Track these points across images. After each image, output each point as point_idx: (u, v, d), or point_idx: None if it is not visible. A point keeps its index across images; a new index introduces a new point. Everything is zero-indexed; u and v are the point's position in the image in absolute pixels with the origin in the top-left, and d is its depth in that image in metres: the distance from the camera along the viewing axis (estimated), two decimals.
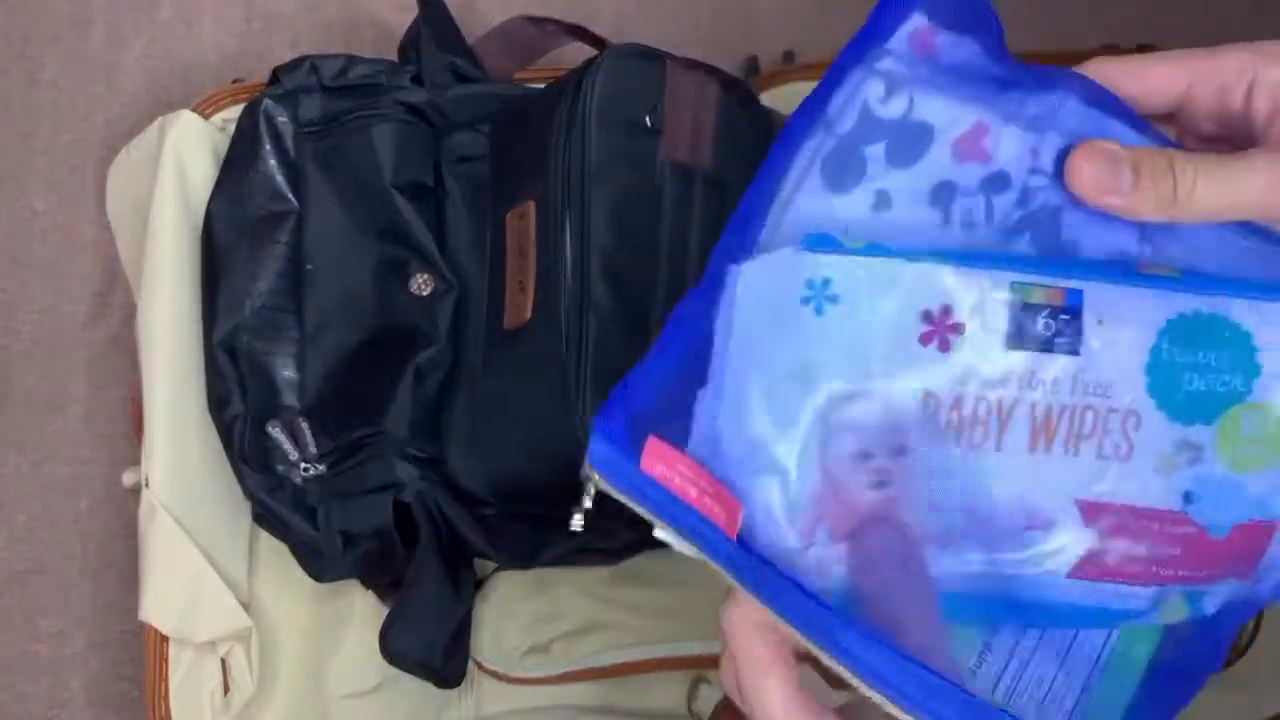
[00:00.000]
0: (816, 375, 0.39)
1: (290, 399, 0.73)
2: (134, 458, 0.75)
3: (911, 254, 0.40)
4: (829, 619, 0.38)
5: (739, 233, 0.42)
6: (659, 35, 0.90)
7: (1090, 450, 0.40)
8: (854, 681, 0.39)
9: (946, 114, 0.42)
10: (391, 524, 0.70)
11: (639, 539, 0.72)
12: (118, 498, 0.83)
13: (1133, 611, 0.42)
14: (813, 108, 0.42)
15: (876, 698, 0.38)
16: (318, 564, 0.72)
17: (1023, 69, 0.43)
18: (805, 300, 0.40)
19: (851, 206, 0.42)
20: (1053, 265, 0.41)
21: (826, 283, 0.40)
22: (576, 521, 0.40)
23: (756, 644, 0.42)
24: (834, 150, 0.42)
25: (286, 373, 0.73)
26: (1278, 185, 0.40)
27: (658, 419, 0.40)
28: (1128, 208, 0.40)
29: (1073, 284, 0.40)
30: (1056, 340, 0.40)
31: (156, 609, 0.72)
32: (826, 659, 0.39)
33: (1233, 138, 0.43)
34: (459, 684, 0.72)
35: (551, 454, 0.65)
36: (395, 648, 0.69)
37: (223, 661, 0.74)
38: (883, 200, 0.42)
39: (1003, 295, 0.40)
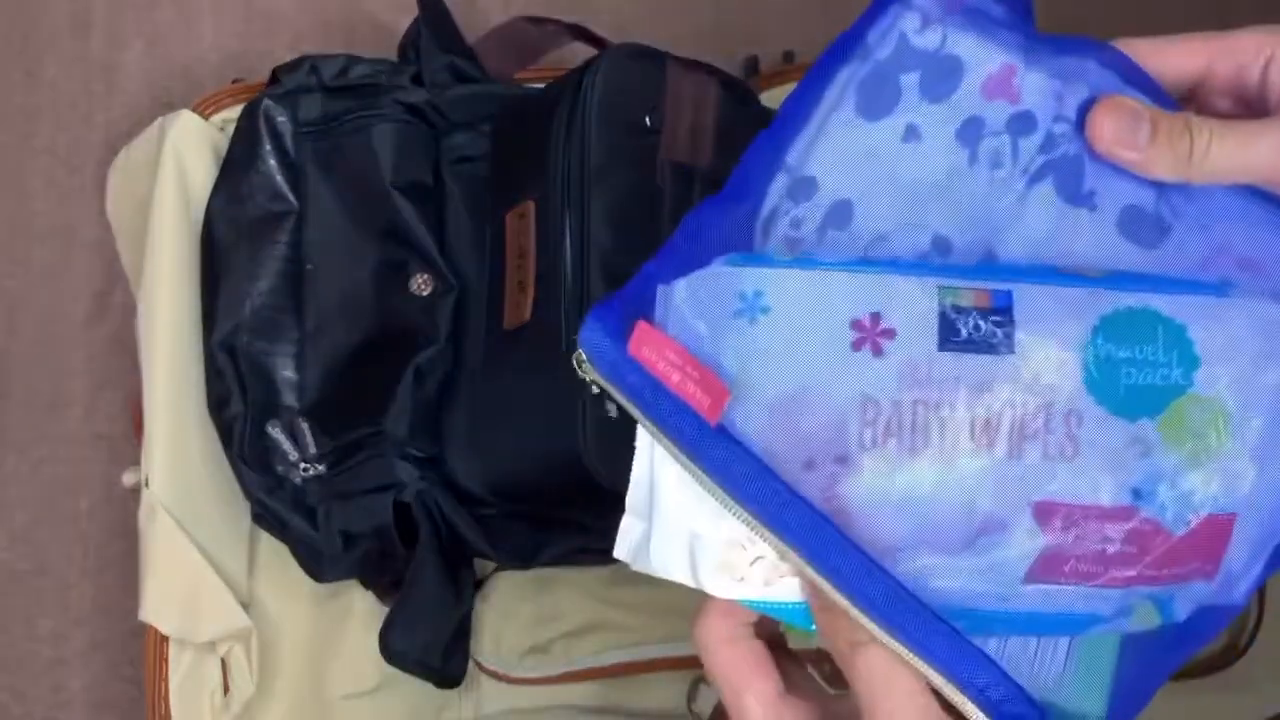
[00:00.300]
0: (751, 384, 0.39)
1: (290, 399, 0.73)
2: (134, 458, 0.75)
3: (840, 265, 0.41)
4: (798, 507, 0.39)
5: (765, 151, 0.43)
6: (659, 35, 0.90)
7: (1036, 451, 0.40)
8: (819, 583, 0.39)
9: (978, 51, 0.43)
10: (391, 524, 0.70)
11: None
12: (118, 498, 0.83)
13: (1099, 616, 0.42)
14: (849, 39, 0.43)
15: (843, 603, 0.38)
16: (317, 564, 0.72)
17: (1049, 35, 0.44)
18: (738, 313, 0.40)
19: (881, 135, 0.43)
20: (978, 271, 0.42)
21: (758, 295, 0.40)
22: (611, 409, 0.40)
23: (729, 658, 0.42)
24: (870, 75, 0.43)
25: (286, 373, 0.73)
26: None
27: (651, 305, 0.41)
28: (1142, 163, 0.41)
29: (1000, 286, 0.41)
30: (989, 341, 0.40)
31: (156, 609, 0.72)
32: (794, 559, 0.39)
33: (1250, 114, 0.44)
34: (459, 684, 0.72)
35: (551, 454, 0.65)
36: (395, 648, 0.69)
37: (222, 662, 0.74)
38: (912, 133, 0.43)
39: (930, 300, 0.40)
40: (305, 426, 0.72)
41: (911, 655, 0.38)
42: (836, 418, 0.39)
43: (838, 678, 0.41)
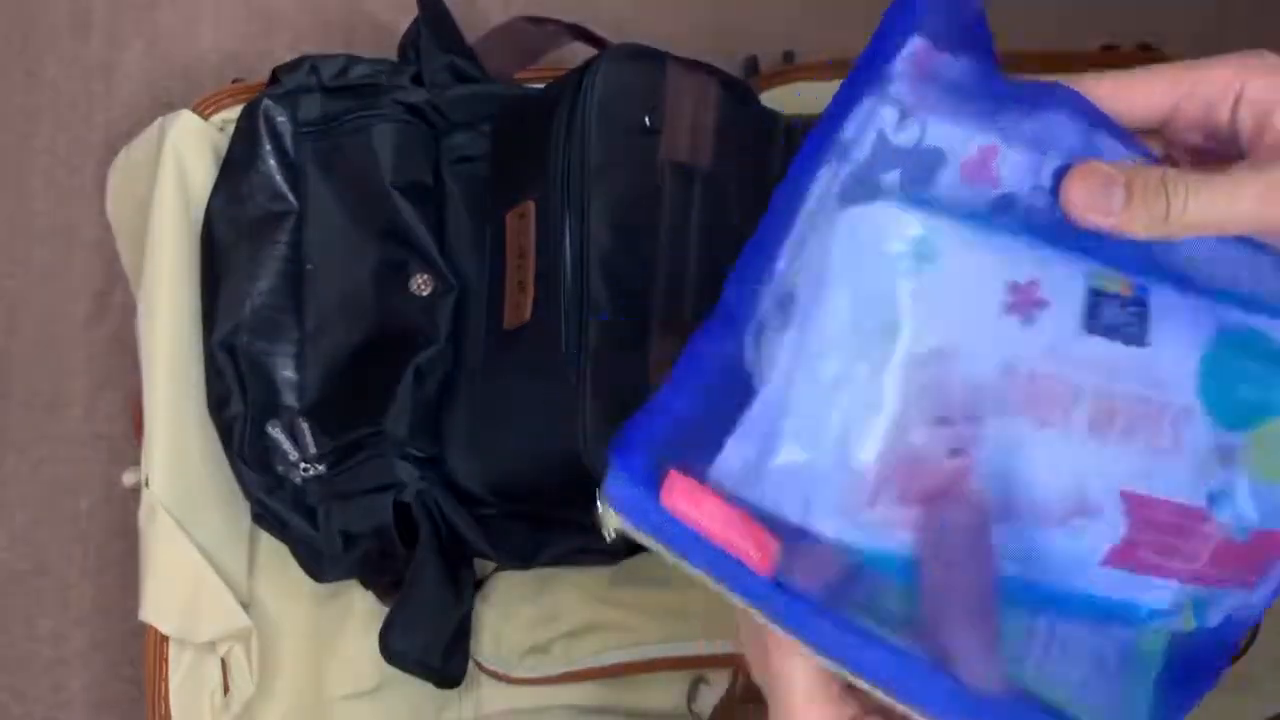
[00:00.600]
0: (902, 332, 0.39)
1: (290, 399, 0.73)
2: (134, 458, 0.75)
3: (1006, 227, 0.41)
4: (876, 650, 0.39)
5: (755, 259, 0.42)
6: (659, 35, 0.90)
7: (1142, 441, 0.41)
8: (899, 707, 0.39)
9: (957, 137, 0.42)
10: (391, 524, 0.70)
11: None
12: (118, 498, 0.83)
13: (1157, 610, 0.43)
14: (826, 131, 0.42)
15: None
16: (317, 564, 0.72)
17: (1016, 85, 0.43)
18: (900, 255, 0.40)
19: None
20: (1124, 260, 0.42)
21: (922, 240, 0.40)
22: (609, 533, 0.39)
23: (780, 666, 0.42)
24: (850, 177, 0.42)
25: (286, 373, 0.73)
26: (1267, 200, 0.40)
27: (680, 451, 0.39)
28: (1118, 226, 0.41)
29: (1139, 279, 0.42)
30: (1126, 329, 0.41)
31: (156, 609, 0.72)
32: (868, 687, 0.39)
33: (1220, 150, 0.44)
34: (459, 684, 0.72)
35: (551, 454, 0.65)
36: (395, 648, 0.69)
37: (222, 662, 0.74)
38: None
39: (1079, 279, 0.41)
40: (305, 426, 0.72)
41: None
42: (976, 378, 0.40)
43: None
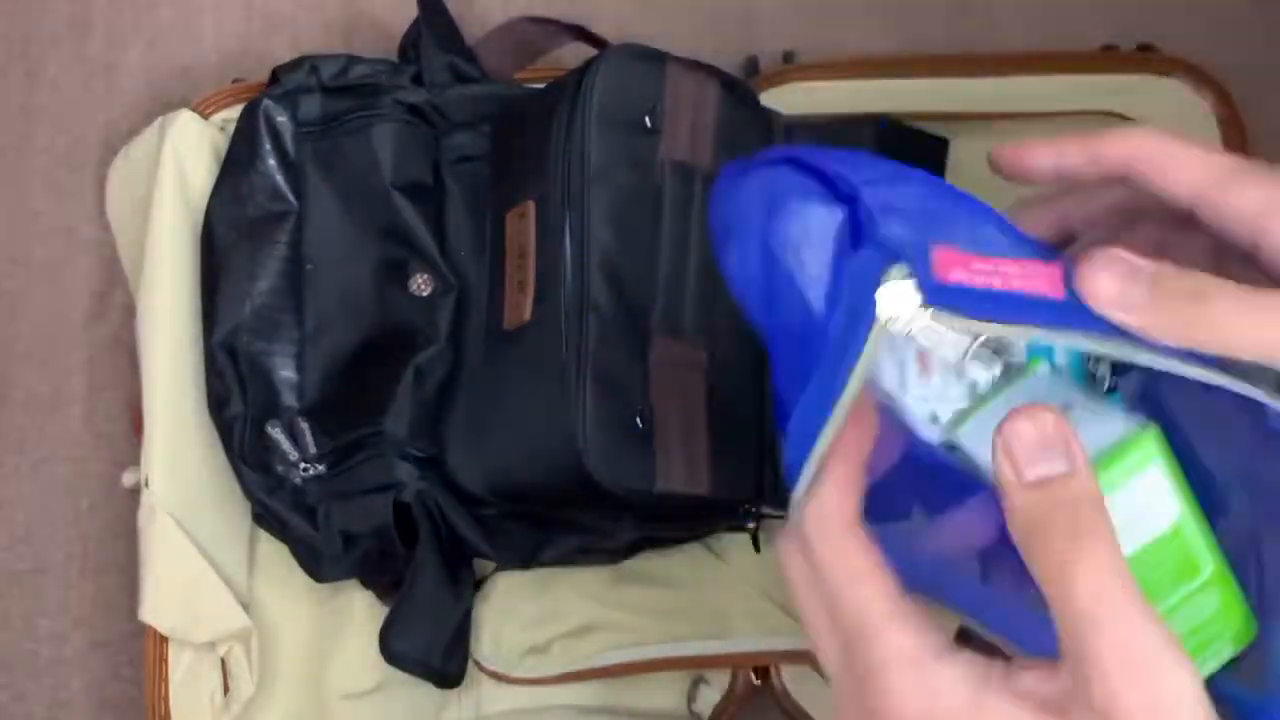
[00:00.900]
0: None
1: (290, 399, 0.73)
2: (134, 458, 0.75)
3: None
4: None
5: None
6: (659, 35, 0.90)
7: None
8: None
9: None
10: (391, 524, 0.70)
11: (639, 539, 0.72)
12: (118, 498, 0.83)
13: None
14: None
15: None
16: (317, 564, 0.72)
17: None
18: None
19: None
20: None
21: None
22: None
23: (847, 545, 0.38)
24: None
25: (286, 373, 0.73)
26: None
27: (931, 231, 0.38)
28: (1142, 326, 0.37)
29: None
30: None
31: (156, 609, 0.72)
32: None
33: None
34: (459, 684, 0.72)
35: (550, 454, 0.65)
36: (395, 648, 0.69)
37: (222, 662, 0.74)
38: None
39: None
40: (305, 426, 0.72)
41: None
42: None
43: None
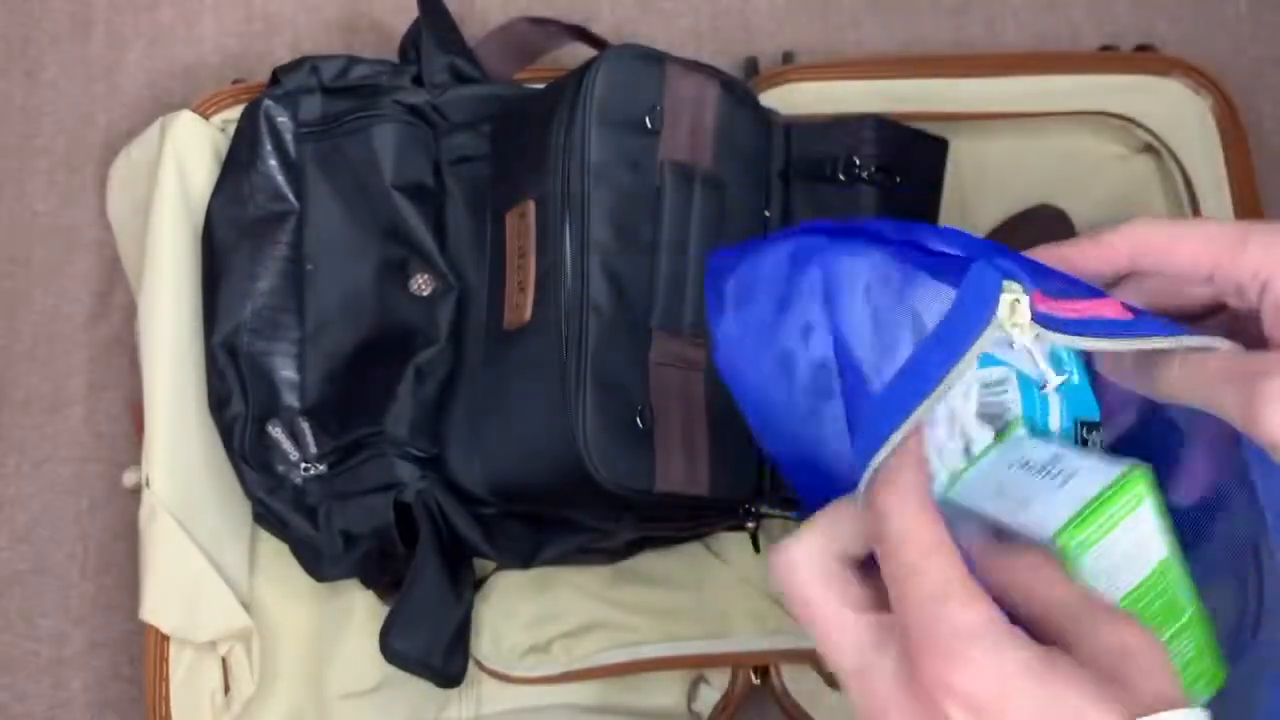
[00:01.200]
0: None
1: (290, 399, 0.73)
2: (135, 458, 0.75)
3: None
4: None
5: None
6: (659, 36, 0.90)
7: None
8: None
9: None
10: (392, 524, 0.70)
11: (639, 539, 0.72)
12: (118, 498, 0.83)
13: None
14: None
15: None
16: (318, 564, 0.72)
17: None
18: None
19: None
20: None
21: None
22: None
23: (926, 518, 0.39)
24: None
25: (287, 373, 0.73)
26: None
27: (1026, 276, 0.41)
28: None
29: None
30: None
31: (157, 609, 0.72)
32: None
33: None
34: (459, 683, 0.72)
35: (550, 454, 0.65)
36: (395, 647, 0.69)
37: (223, 661, 0.74)
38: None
39: None
40: (306, 426, 0.72)
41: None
42: None
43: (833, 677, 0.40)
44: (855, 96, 0.79)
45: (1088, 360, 0.46)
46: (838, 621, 0.40)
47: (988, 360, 0.44)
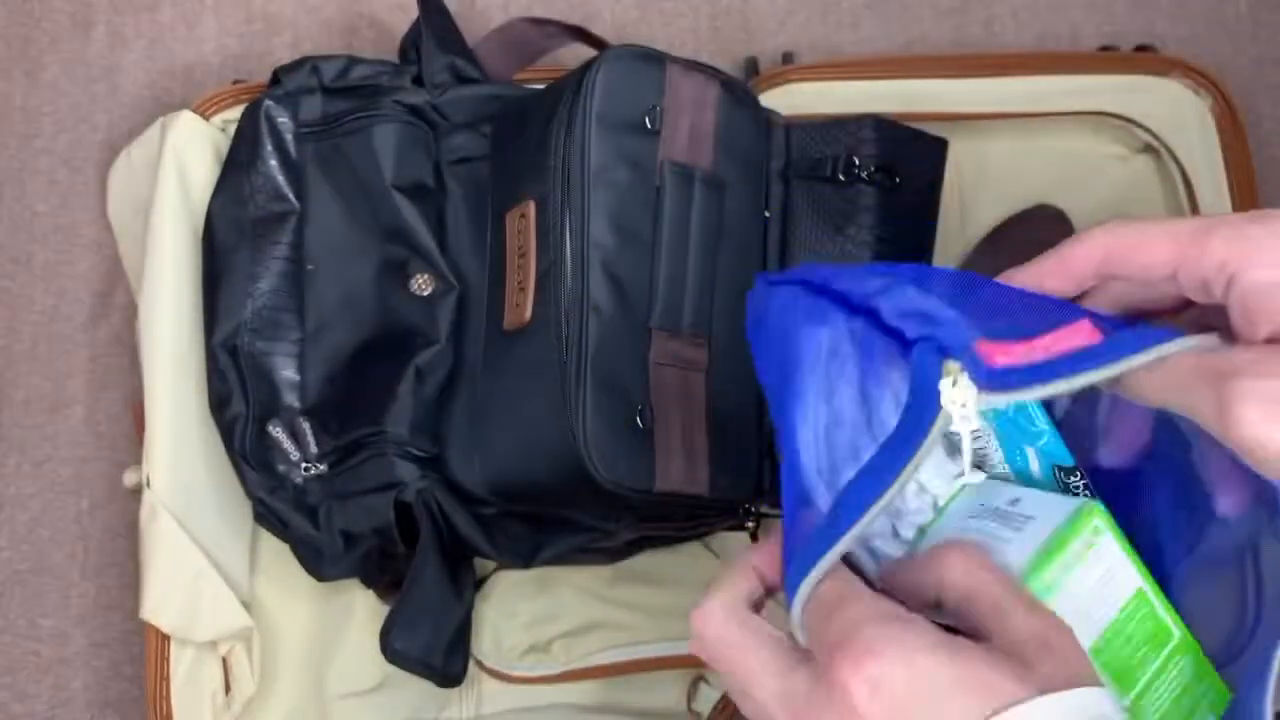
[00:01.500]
0: None
1: (291, 399, 0.73)
2: (135, 458, 0.75)
3: None
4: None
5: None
6: (659, 36, 0.90)
7: None
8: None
9: None
10: (392, 523, 0.70)
11: (639, 539, 0.72)
12: (119, 498, 0.83)
13: None
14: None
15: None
16: (318, 563, 0.72)
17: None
18: None
19: None
20: None
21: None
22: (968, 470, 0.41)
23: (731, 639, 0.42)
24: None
25: (287, 373, 0.73)
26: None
27: (980, 327, 0.40)
28: None
29: None
30: None
31: (157, 609, 0.72)
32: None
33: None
34: (459, 683, 0.72)
35: (550, 455, 0.65)
36: (396, 647, 0.69)
37: (224, 661, 0.74)
38: None
39: None
40: (306, 426, 0.72)
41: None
42: None
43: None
44: (855, 96, 0.79)
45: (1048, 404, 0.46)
46: (754, 650, 0.41)
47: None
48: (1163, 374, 0.39)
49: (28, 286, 0.87)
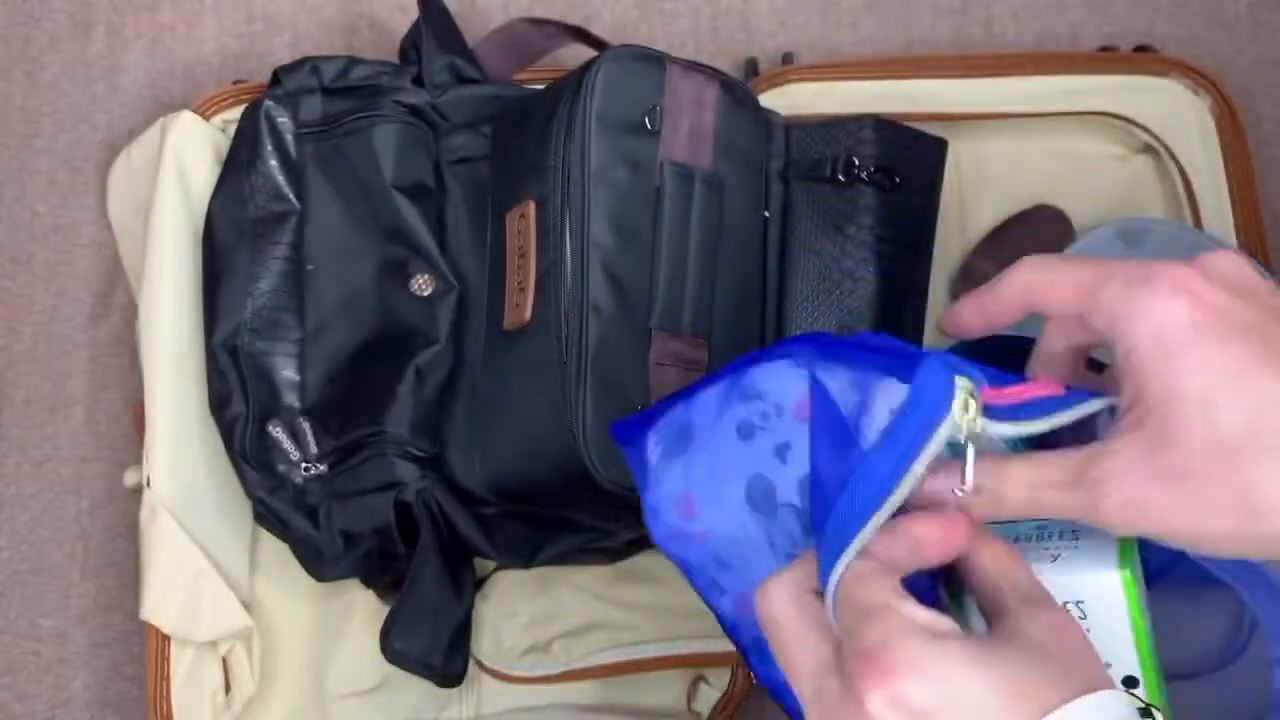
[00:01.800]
0: None
1: (291, 399, 0.73)
2: (135, 458, 0.75)
3: None
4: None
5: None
6: (659, 36, 0.90)
7: None
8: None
9: None
10: (392, 523, 0.70)
11: (639, 539, 0.72)
12: (119, 498, 0.83)
13: None
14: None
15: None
16: (318, 563, 0.72)
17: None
18: None
19: None
20: None
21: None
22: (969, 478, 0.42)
23: (871, 586, 0.41)
24: None
25: (287, 373, 0.73)
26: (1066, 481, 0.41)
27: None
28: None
29: None
30: None
31: (158, 609, 0.72)
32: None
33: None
34: (459, 683, 0.72)
35: (550, 455, 0.65)
36: (396, 647, 0.69)
37: (224, 661, 0.75)
38: None
39: None
40: (306, 426, 0.72)
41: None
42: None
43: None
44: (855, 96, 0.80)
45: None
46: (803, 640, 0.41)
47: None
48: (1040, 493, 0.42)
49: (28, 286, 0.87)
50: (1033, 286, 0.44)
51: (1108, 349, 0.44)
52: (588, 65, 0.67)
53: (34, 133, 0.89)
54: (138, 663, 0.81)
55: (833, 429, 0.45)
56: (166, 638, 0.73)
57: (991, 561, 0.42)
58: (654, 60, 0.67)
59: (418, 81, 0.75)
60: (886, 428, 0.41)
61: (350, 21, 0.90)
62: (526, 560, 0.71)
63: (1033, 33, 0.90)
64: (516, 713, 0.76)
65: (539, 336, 0.66)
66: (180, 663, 0.73)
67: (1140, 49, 0.84)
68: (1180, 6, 0.91)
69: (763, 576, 0.43)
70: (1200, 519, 0.39)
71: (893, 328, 0.70)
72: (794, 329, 0.70)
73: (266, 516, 0.72)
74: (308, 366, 0.73)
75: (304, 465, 0.72)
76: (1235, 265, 0.41)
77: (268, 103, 0.74)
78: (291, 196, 0.74)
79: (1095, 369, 0.49)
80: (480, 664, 0.75)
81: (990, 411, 0.41)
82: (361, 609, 0.77)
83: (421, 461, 0.71)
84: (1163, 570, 0.46)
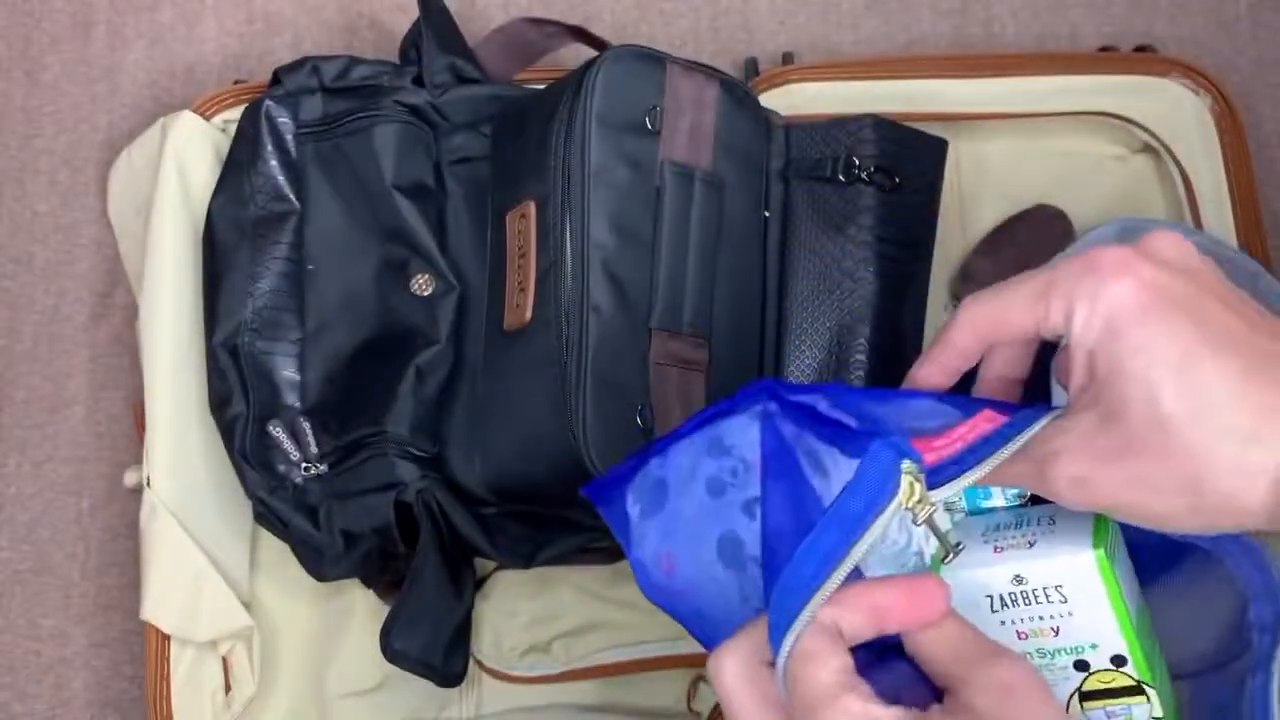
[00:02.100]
0: None
1: (291, 399, 0.73)
2: (136, 458, 0.75)
3: None
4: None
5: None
6: (659, 36, 0.90)
7: None
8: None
9: None
10: (393, 523, 0.70)
11: None
12: (119, 498, 0.83)
13: None
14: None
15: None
16: (319, 563, 0.72)
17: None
18: None
19: None
20: None
21: None
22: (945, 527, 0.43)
23: (747, 695, 0.41)
24: None
25: (288, 372, 0.73)
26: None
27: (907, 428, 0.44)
28: None
29: None
30: None
31: (158, 609, 0.72)
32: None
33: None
34: (459, 683, 0.72)
35: (550, 455, 0.65)
36: (396, 647, 0.69)
37: (224, 661, 0.75)
38: None
39: None
40: (307, 426, 0.72)
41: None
42: None
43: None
44: (855, 96, 0.80)
45: None
46: (753, 716, 0.41)
47: None
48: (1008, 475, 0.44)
49: (28, 286, 0.87)
50: (985, 322, 0.45)
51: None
52: (588, 65, 0.67)
53: (34, 133, 0.89)
54: (138, 663, 0.81)
55: (787, 474, 0.46)
56: (166, 638, 0.73)
57: (938, 634, 0.41)
58: (654, 60, 0.67)
59: (418, 81, 0.75)
60: (833, 502, 0.42)
61: (350, 21, 0.90)
62: (526, 560, 0.71)
63: (1033, 33, 0.90)
64: (516, 713, 0.76)
65: (539, 336, 0.66)
66: (180, 663, 0.73)
67: (1140, 49, 0.84)
68: (1180, 6, 0.91)
69: None
70: (1148, 496, 0.40)
71: (893, 328, 0.70)
72: (794, 329, 0.70)
73: (266, 516, 0.72)
74: (308, 366, 0.73)
75: (304, 465, 0.72)
76: (1176, 245, 0.42)
77: (268, 103, 0.74)
78: (292, 196, 0.74)
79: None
80: (480, 664, 0.75)
81: (937, 472, 0.42)
82: (361, 609, 0.77)
83: (422, 461, 0.71)
84: (1159, 548, 0.46)
